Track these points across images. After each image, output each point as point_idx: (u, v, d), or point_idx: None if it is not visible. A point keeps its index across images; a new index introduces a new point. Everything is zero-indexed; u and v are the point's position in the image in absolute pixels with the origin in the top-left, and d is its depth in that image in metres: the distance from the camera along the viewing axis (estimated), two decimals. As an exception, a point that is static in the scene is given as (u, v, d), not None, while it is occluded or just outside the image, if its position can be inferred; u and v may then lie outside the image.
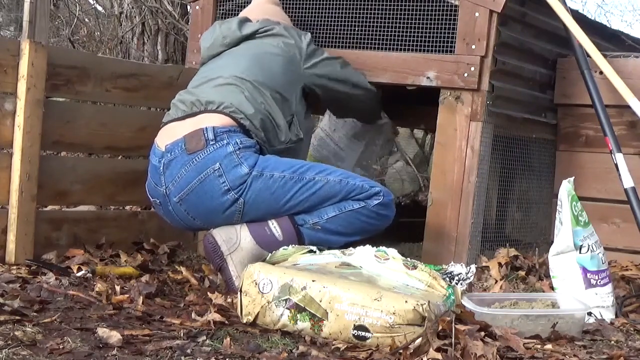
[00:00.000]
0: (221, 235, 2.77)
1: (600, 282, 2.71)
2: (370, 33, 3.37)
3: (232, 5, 3.59)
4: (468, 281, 2.58)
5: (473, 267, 2.63)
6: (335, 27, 3.37)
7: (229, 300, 2.56)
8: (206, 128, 2.79)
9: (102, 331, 2.10)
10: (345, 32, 3.41)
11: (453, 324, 2.13)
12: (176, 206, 2.83)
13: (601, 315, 2.68)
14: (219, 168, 2.75)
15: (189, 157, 2.78)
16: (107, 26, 5.73)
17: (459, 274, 2.58)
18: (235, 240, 2.76)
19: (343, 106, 3.38)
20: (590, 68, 3.23)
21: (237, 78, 2.95)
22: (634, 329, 2.62)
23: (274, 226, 2.79)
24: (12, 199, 2.85)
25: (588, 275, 2.71)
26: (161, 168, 2.85)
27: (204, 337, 2.17)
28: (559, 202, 2.76)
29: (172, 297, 2.66)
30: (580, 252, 2.72)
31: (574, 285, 2.71)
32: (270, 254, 2.68)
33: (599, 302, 2.69)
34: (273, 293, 2.33)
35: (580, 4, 10.08)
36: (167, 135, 2.88)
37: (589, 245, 2.72)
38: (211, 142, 2.76)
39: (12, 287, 2.49)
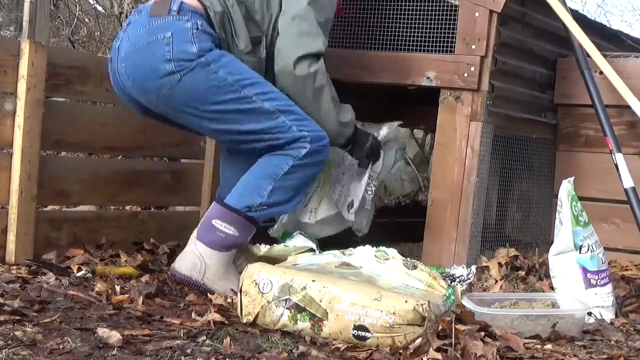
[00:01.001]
0: (185, 266, 2.72)
1: (600, 282, 2.71)
2: (370, 33, 3.38)
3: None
4: (468, 281, 2.59)
5: (473, 268, 2.63)
6: (335, 27, 3.37)
7: (229, 300, 2.56)
8: (174, 0, 2.76)
9: (102, 331, 2.10)
10: (345, 32, 3.41)
11: (453, 324, 2.14)
12: (120, 63, 2.79)
13: (601, 315, 2.68)
14: (170, 37, 2.70)
15: (148, 20, 2.76)
16: (107, 26, 5.74)
17: (460, 275, 2.59)
18: (199, 262, 2.70)
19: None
20: (590, 68, 3.23)
21: None
22: (634, 329, 2.62)
23: (222, 226, 2.72)
24: (12, 199, 2.85)
25: (588, 275, 2.71)
26: (126, 25, 2.85)
27: (204, 337, 2.17)
28: (559, 202, 2.76)
29: (172, 297, 2.66)
30: (580, 252, 2.72)
31: (574, 285, 2.71)
32: (267, 248, 2.68)
33: (599, 302, 2.69)
34: (273, 293, 2.33)
35: (580, 4, 10.08)
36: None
37: (589, 245, 2.72)
38: (173, 13, 2.73)
39: (12, 287, 2.49)
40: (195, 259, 2.71)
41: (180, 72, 2.68)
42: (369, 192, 3.09)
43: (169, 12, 2.73)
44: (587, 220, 2.77)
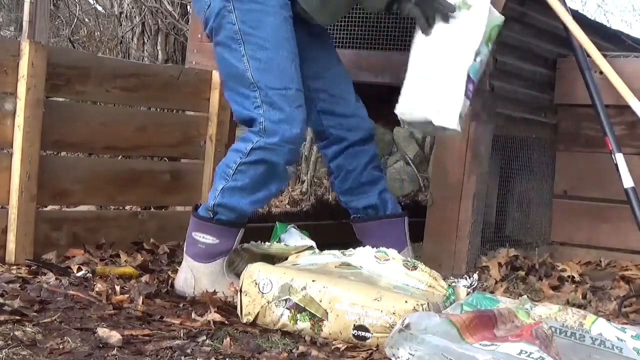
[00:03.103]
0: (178, 282, 2.71)
1: (469, 94, 2.60)
2: (371, 33, 3.37)
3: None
4: (473, 287, 2.59)
5: (475, 275, 2.63)
6: (335, 27, 3.37)
7: (229, 300, 2.56)
8: None
9: (102, 331, 2.10)
10: (345, 32, 3.41)
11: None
12: None
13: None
14: None
15: None
16: (107, 26, 5.74)
17: (464, 286, 2.58)
18: (189, 277, 2.69)
19: None
20: (590, 68, 3.23)
21: None
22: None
23: (201, 237, 2.68)
24: (12, 199, 2.85)
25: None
26: None
27: (204, 337, 2.17)
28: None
29: (172, 297, 2.66)
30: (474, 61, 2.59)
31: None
32: (266, 245, 2.68)
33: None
34: (273, 293, 2.33)
35: (580, 4, 10.09)
36: None
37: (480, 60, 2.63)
38: None
39: (12, 287, 2.49)
40: (186, 273, 2.71)
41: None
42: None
43: None
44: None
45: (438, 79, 2.62)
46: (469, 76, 2.61)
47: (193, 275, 2.69)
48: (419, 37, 2.68)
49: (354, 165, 2.95)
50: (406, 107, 2.67)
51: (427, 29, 2.64)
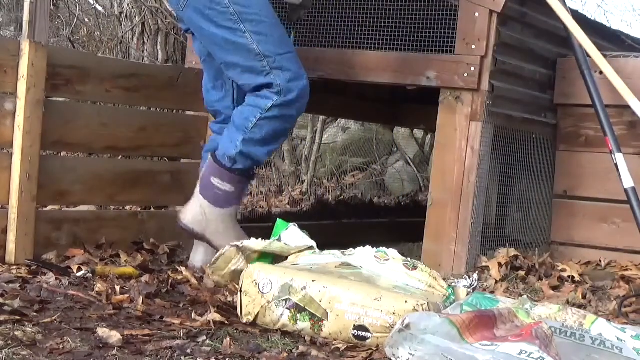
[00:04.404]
0: (189, 219, 2.95)
1: None
2: (371, 33, 3.37)
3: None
4: (473, 287, 2.59)
5: (475, 275, 2.63)
6: (336, 27, 3.37)
7: (229, 300, 2.56)
8: None
9: (102, 331, 2.10)
10: (346, 32, 3.41)
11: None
12: None
13: None
14: None
15: None
16: (107, 26, 5.73)
17: (464, 286, 2.58)
18: (201, 217, 2.92)
19: None
20: (590, 68, 3.23)
21: None
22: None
23: (219, 184, 2.92)
24: (12, 199, 2.85)
25: None
26: None
27: (204, 337, 2.17)
28: None
29: (172, 297, 2.66)
30: None
31: None
32: (266, 243, 2.68)
33: None
34: (273, 293, 2.33)
35: (580, 4, 10.09)
36: None
37: None
38: None
39: (12, 287, 2.49)
40: (199, 214, 2.92)
41: None
42: None
43: None
44: None
45: None
46: None
47: (206, 217, 2.91)
48: None
49: None
50: None
51: None
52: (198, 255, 3.03)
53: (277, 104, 2.87)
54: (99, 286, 2.56)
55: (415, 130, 6.97)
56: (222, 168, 2.93)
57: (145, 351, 2.01)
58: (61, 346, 1.98)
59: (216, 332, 2.25)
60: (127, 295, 2.52)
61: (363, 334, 2.23)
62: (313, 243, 2.73)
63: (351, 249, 2.63)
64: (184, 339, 2.14)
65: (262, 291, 2.34)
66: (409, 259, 2.60)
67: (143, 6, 5.23)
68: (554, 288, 3.02)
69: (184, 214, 2.97)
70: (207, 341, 2.14)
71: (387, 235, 3.92)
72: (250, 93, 2.93)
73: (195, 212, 2.95)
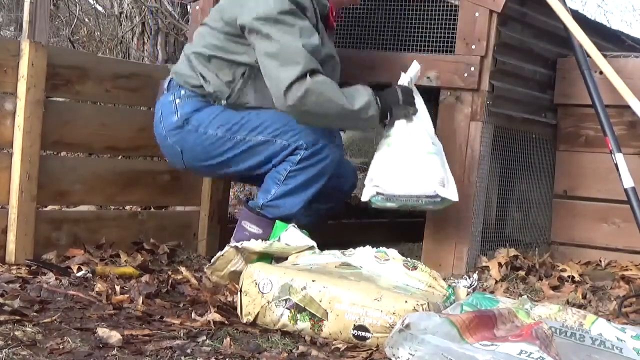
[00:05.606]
0: None
1: None
2: (371, 33, 3.38)
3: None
4: (473, 287, 2.59)
5: (475, 275, 2.63)
6: (335, 27, 3.37)
7: (229, 300, 2.56)
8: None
9: (102, 331, 2.10)
10: (346, 32, 3.41)
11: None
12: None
13: None
14: (160, 115, 3.04)
15: (157, 102, 3.10)
16: (107, 26, 5.73)
17: (464, 286, 2.59)
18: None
19: None
20: (590, 68, 3.23)
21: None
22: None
23: (248, 226, 3.01)
24: (12, 199, 2.85)
25: None
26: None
27: (204, 337, 2.17)
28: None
29: (172, 297, 2.66)
30: None
31: None
32: (266, 244, 2.68)
33: None
34: (273, 293, 2.33)
35: (580, 4, 10.10)
36: None
37: None
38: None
39: (12, 287, 2.49)
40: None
41: (178, 143, 3.01)
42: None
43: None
44: None
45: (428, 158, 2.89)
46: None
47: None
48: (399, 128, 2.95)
49: None
50: (396, 183, 2.94)
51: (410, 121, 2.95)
52: None
53: (306, 156, 2.93)
54: (99, 286, 2.56)
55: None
56: (249, 210, 3.02)
57: (145, 351, 2.01)
58: (61, 346, 1.98)
59: (216, 332, 2.25)
60: (127, 295, 2.53)
61: (363, 334, 2.23)
62: (313, 243, 2.73)
63: (351, 249, 2.63)
64: (184, 339, 2.14)
65: (262, 291, 2.34)
66: (409, 259, 2.60)
67: (143, 6, 5.24)
68: (554, 288, 3.02)
69: None
70: (207, 341, 2.14)
71: (387, 235, 3.91)
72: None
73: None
